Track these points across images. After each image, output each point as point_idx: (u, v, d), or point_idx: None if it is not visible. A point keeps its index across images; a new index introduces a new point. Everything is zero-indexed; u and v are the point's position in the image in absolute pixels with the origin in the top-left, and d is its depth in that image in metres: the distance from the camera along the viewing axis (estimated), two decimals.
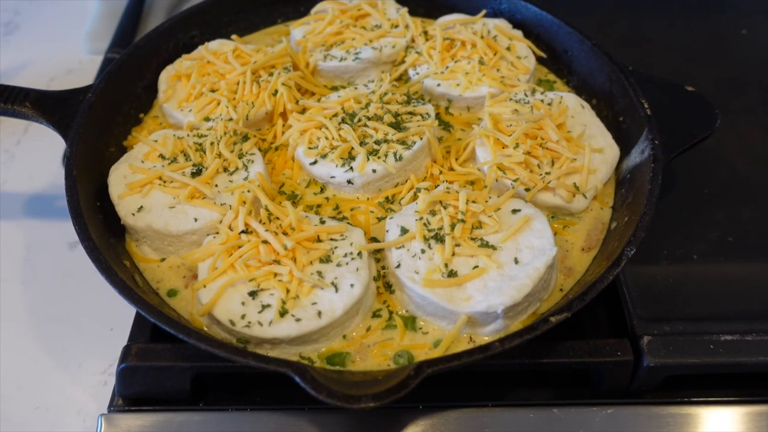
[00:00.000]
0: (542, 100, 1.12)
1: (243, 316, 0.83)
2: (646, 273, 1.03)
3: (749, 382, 0.95)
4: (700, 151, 1.10)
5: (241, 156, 1.04)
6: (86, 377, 1.02)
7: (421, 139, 1.04)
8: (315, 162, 1.04)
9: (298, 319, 0.82)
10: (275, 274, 0.86)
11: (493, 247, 0.89)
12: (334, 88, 1.26)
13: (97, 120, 1.08)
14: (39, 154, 1.38)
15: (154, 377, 0.88)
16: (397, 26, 1.31)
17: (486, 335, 0.87)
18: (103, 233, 0.95)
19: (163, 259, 0.97)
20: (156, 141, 1.06)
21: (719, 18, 1.64)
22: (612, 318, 0.99)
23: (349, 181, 1.02)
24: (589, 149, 1.03)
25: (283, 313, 0.82)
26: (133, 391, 0.90)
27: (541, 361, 0.87)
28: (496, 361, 0.81)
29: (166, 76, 1.21)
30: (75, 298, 1.12)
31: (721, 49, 1.53)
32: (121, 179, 1.00)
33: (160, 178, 0.99)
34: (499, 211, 0.94)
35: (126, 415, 0.87)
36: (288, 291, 0.84)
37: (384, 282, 0.93)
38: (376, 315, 0.89)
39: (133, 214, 0.95)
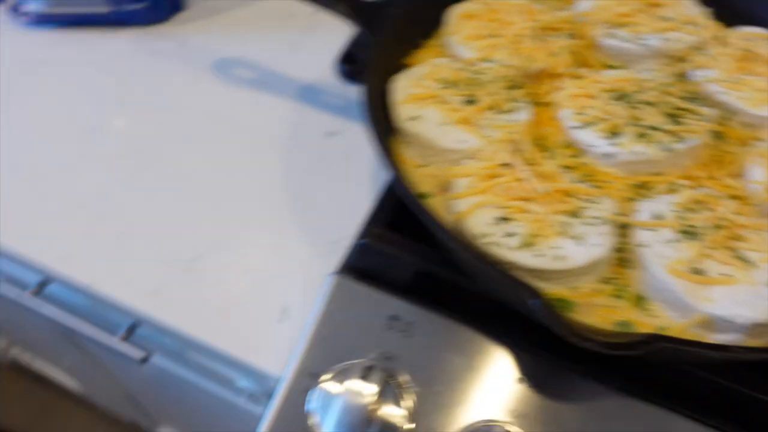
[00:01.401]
0: None
1: (489, 235, 0.89)
2: None
3: None
4: None
5: (511, 101, 1.10)
6: (316, 244, 1.18)
7: (696, 137, 1.01)
8: (579, 127, 1.07)
9: (538, 255, 0.86)
10: (525, 211, 0.91)
11: (752, 264, 0.85)
12: (608, 66, 1.26)
13: (395, 33, 1.20)
14: (319, 50, 1.56)
15: (383, 260, 0.99)
16: (689, 23, 1.26)
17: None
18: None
19: (423, 166, 1.07)
20: (436, 66, 1.15)
21: None
22: None
23: (609, 155, 1.03)
24: None
25: (526, 245, 0.87)
26: (362, 265, 1.02)
27: None
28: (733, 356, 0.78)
29: (455, 12, 1.30)
30: (322, 179, 1.29)
31: None
32: (403, 88, 1.11)
33: (437, 98, 1.08)
34: (764, 233, 0.89)
35: (351, 281, 1.00)
36: (534, 229, 0.88)
37: (622, 257, 0.94)
38: (607, 282, 0.91)
39: (409, 120, 1.06)
